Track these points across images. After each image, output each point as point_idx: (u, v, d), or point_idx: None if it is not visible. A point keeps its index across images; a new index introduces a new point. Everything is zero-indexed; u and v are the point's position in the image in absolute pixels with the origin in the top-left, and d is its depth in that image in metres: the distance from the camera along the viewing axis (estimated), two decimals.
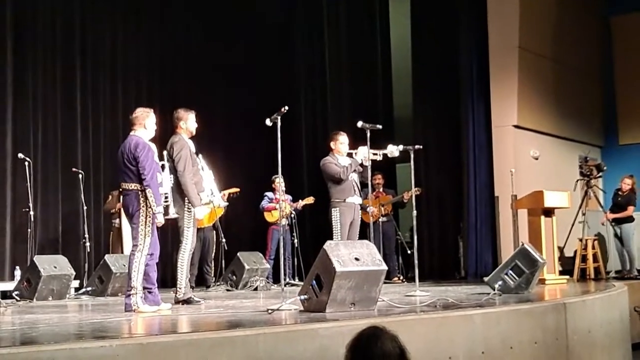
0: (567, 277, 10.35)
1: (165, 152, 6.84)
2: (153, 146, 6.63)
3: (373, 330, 3.06)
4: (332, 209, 8.19)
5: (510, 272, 7.55)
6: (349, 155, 8.33)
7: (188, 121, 7.47)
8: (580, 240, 11.14)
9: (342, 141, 8.40)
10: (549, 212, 9.98)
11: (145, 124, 6.67)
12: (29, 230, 9.84)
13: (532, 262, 7.61)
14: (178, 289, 7.26)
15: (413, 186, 8.69)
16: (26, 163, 9.81)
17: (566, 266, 11.27)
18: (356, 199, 8.31)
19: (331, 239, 7.65)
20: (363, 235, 8.99)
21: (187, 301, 7.18)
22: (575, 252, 11.23)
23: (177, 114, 7.50)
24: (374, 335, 3.02)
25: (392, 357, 2.98)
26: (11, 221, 10.48)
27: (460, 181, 12.40)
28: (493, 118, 12.03)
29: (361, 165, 8.23)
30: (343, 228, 8.12)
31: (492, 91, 12.03)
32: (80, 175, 10.46)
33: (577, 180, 11.82)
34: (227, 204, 9.83)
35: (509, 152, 11.88)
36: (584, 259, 11.03)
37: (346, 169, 8.16)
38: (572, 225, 11.27)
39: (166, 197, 6.79)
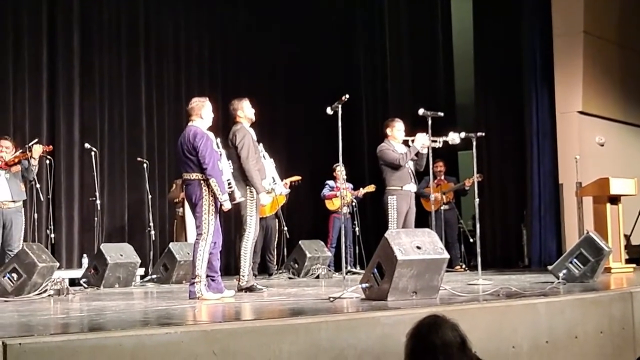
0: (634, 265, 10.14)
1: (219, 140, 6.88)
2: (211, 135, 6.67)
3: (433, 319, 3.05)
4: (389, 197, 8.14)
5: (575, 260, 7.44)
6: (405, 142, 8.28)
7: (245, 109, 7.50)
8: None
9: (398, 128, 8.35)
10: (614, 200, 9.78)
11: (201, 113, 6.70)
12: (95, 219, 10.04)
13: (598, 250, 7.48)
14: (241, 276, 7.31)
15: (475, 173, 8.62)
16: (92, 153, 10.00)
17: (633, 254, 11.03)
18: (412, 187, 8.26)
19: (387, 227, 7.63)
20: (425, 223, 8.96)
21: (250, 289, 7.23)
22: None
23: (232, 105, 7.54)
24: (435, 324, 3.01)
25: (453, 346, 2.96)
26: (79, 210, 10.73)
27: (523, 168, 12.25)
28: (557, 104, 11.84)
29: (417, 154, 8.17)
30: (400, 216, 8.08)
31: (556, 77, 11.83)
32: (145, 165, 10.63)
33: None
34: (289, 191, 9.87)
35: (574, 138, 11.69)
36: None
37: (405, 155, 8.11)
38: (639, 213, 11.04)
39: (229, 184, 6.84)
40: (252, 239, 7.35)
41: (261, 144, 7.84)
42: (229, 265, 10.59)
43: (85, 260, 9.73)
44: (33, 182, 8.58)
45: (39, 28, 10.69)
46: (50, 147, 8.99)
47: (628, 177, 10.06)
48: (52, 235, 9.39)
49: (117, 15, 11.49)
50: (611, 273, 9.06)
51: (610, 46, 12.41)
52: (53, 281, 7.29)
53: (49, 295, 7.13)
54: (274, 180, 8.01)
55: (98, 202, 10.01)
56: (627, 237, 10.93)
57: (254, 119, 7.60)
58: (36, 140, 8.64)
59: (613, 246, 8.82)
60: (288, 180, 10.31)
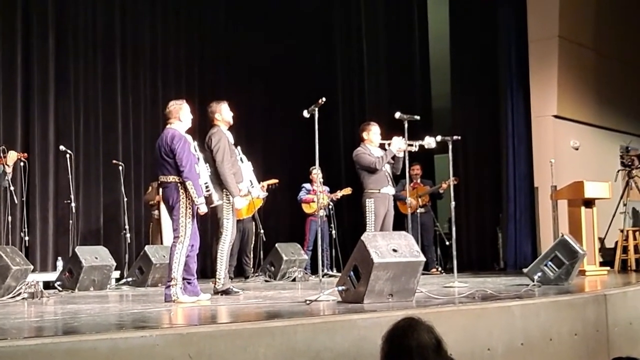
0: (608, 268, 10.23)
1: (196, 143, 6.87)
2: (189, 138, 6.67)
3: (409, 321, 3.07)
4: (367, 200, 8.15)
5: (550, 263, 7.50)
6: (381, 146, 8.30)
7: (222, 112, 7.52)
8: (622, 231, 11.01)
9: (374, 131, 8.36)
10: (589, 203, 9.87)
11: (179, 116, 6.70)
12: (70, 221, 9.97)
13: (572, 253, 7.54)
14: (217, 279, 7.31)
15: (451, 177, 8.66)
16: (68, 155, 9.94)
17: (607, 257, 11.12)
18: (390, 190, 8.27)
19: (365, 230, 7.65)
20: (401, 226, 8.99)
21: (226, 292, 7.23)
22: (616, 243, 11.10)
23: (210, 107, 7.57)
24: (410, 327, 3.03)
25: (428, 348, 2.98)
26: (54, 213, 10.64)
27: (499, 172, 12.32)
28: (532, 108, 11.91)
29: (393, 157, 8.19)
30: (377, 219, 8.09)
31: (532, 81, 11.90)
32: (120, 167, 10.58)
33: (618, 171, 11.68)
34: (266, 194, 9.88)
35: (549, 142, 11.76)
36: (625, 250, 10.90)
37: (381, 159, 8.12)
38: (613, 216, 11.15)
39: (207, 187, 6.83)
40: (228, 242, 7.36)
41: (239, 147, 7.84)
42: (205, 269, 10.56)
43: (60, 263, 9.66)
44: (7, 187, 8.52)
45: (14, 31, 10.58)
46: (25, 154, 8.95)
47: (602, 181, 10.15)
48: (27, 238, 9.31)
49: (92, 18, 11.40)
50: (585, 276, 9.14)
51: (585, 51, 12.52)
52: (27, 284, 7.24)
53: (23, 299, 7.08)
54: (252, 184, 8.00)
55: (73, 204, 9.95)
56: (602, 240, 11.02)
57: (231, 122, 7.61)
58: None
59: (587, 249, 8.89)
60: (265, 184, 10.30)
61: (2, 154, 8.37)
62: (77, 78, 11.15)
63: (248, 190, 7.70)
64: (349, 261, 5.81)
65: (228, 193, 7.32)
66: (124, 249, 10.44)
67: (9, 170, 8.38)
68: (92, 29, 11.40)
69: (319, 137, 6.38)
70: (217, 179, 7.26)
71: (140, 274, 9.43)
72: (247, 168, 7.95)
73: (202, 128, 8.04)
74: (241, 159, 7.85)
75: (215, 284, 7.35)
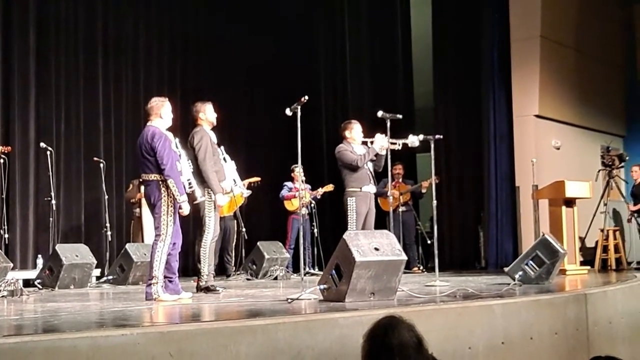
0: (588, 267, 10.30)
1: (177, 140, 6.86)
2: (170, 135, 6.64)
3: (389, 319, 3.07)
4: (348, 198, 8.14)
5: (531, 262, 7.53)
6: (364, 143, 8.31)
7: (207, 112, 7.57)
8: (602, 230, 11.09)
9: (356, 130, 8.36)
10: (570, 203, 9.92)
11: (160, 113, 6.67)
12: (51, 219, 9.91)
13: (553, 252, 7.58)
14: (201, 276, 7.33)
15: (433, 175, 8.67)
16: (48, 152, 9.89)
17: (587, 257, 11.20)
18: (371, 188, 8.27)
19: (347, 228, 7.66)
20: (383, 224, 8.99)
21: (208, 289, 7.25)
22: (597, 242, 11.18)
23: (195, 107, 7.61)
24: (391, 325, 3.03)
25: (409, 346, 2.98)
26: (34, 210, 10.57)
27: (480, 171, 12.37)
28: (514, 107, 11.97)
29: (375, 155, 8.20)
30: (359, 217, 8.08)
31: (514, 80, 11.96)
32: (101, 165, 10.53)
33: (599, 171, 11.76)
34: (250, 192, 9.88)
35: (530, 142, 11.82)
36: (605, 249, 10.98)
37: (363, 157, 8.12)
38: (594, 215, 11.22)
39: (190, 184, 6.81)
40: (210, 239, 7.38)
41: (222, 147, 7.84)
42: (187, 266, 10.53)
43: (40, 261, 9.60)
44: None
45: None
46: (9, 147, 8.89)
47: (583, 180, 10.20)
48: (6, 236, 9.27)
49: (74, 13, 11.33)
50: (566, 275, 9.19)
51: (567, 51, 12.59)
52: (7, 282, 7.20)
53: (2, 297, 7.02)
54: (235, 183, 8.01)
55: (54, 202, 9.89)
56: (582, 240, 11.10)
57: (215, 123, 7.64)
58: None
59: (568, 248, 8.93)
60: (247, 182, 10.27)
61: None
62: (59, 74, 11.09)
63: (231, 188, 7.70)
64: (331, 260, 5.81)
65: (210, 191, 7.32)
66: (105, 247, 10.40)
67: None
68: (74, 25, 11.33)
69: (301, 135, 6.38)
70: (200, 177, 7.28)
71: (121, 272, 9.38)
72: (230, 167, 7.96)
73: (184, 126, 8.02)
74: (224, 159, 7.86)
75: (198, 280, 7.37)
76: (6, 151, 8.63)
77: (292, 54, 13.83)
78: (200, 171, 7.29)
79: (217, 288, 7.39)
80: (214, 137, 7.54)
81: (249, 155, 12.32)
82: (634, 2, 14.41)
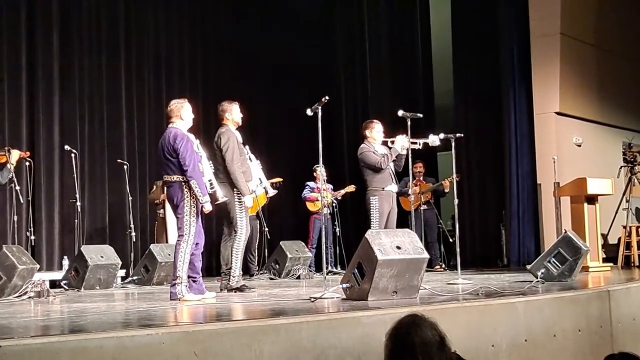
0: (611, 264, 10.24)
1: (199, 142, 6.91)
2: (192, 136, 6.69)
3: (412, 318, 3.09)
4: (371, 197, 8.17)
5: (553, 259, 7.51)
6: (384, 143, 8.33)
7: (233, 112, 7.58)
8: (624, 227, 11.02)
9: (377, 129, 8.39)
10: (592, 200, 9.88)
11: (181, 114, 6.72)
12: (76, 220, 10.02)
13: (576, 249, 7.56)
14: (232, 277, 7.38)
15: (454, 173, 8.68)
16: (73, 155, 9.98)
17: (610, 254, 11.14)
18: (394, 187, 8.30)
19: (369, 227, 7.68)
20: (405, 223, 9.01)
21: (240, 289, 7.30)
22: (619, 239, 11.11)
23: (222, 106, 7.62)
24: (413, 323, 3.05)
25: (432, 345, 3.00)
26: (59, 212, 10.67)
27: (502, 169, 12.34)
28: (535, 105, 11.93)
29: (397, 155, 8.21)
30: (382, 217, 8.11)
31: (534, 78, 11.93)
32: (125, 166, 10.63)
33: (621, 167, 11.69)
34: (276, 191, 9.93)
35: (551, 139, 11.78)
36: (628, 246, 10.91)
37: (387, 158, 8.15)
38: (616, 212, 11.16)
39: (211, 184, 6.86)
40: (243, 239, 7.43)
41: (247, 146, 7.88)
42: (211, 266, 10.59)
43: (65, 262, 9.69)
44: (8, 185, 8.57)
45: (18, 29, 10.61)
46: (28, 153, 9.00)
47: (605, 177, 10.16)
48: (32, 237, 9.35)
49: (97, 16, 11.43)
50: (589, 272, 9.15)
51: (587, 48, 12.53)
52: (33, 283, 7.28)
53: (29, 298, 7.11)
54: (261, 182, 8.06)
55: (78, 203, 9.99)
56: (605, 236, 11.05)
57: (240, 123, 7.66)
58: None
59: (590, 245, 8.90)
60: (269, 182, 10.31)
61: (6, 153, 8.44)
62: (82, 77, 11.18)
63: (257, 187, 7.75)
64: (353, 258, 5.83)
65: (238, 192, 7.36)
66: (129, 248, 10.48)
67: (11, 168, 8.43)
68: (96, 28, 11.42)
69: (322, 135, 6.41)
70: (227, 178, 7.31)
71: (146, 272, 9.46)
72: (255, 167, 8.00)
73: (205, 126, 8.07)
74: (250, 158, 7.90)
75: (229, 280, 7.40)
76: (25, 156, 8.74)
77: (312, 54, 13.85)
78: (227, 172, 7.32)
79: (251, 287, 7.46)
80: (239, 137, 7.56)
81: (270, 155, 12.32)
82: None
